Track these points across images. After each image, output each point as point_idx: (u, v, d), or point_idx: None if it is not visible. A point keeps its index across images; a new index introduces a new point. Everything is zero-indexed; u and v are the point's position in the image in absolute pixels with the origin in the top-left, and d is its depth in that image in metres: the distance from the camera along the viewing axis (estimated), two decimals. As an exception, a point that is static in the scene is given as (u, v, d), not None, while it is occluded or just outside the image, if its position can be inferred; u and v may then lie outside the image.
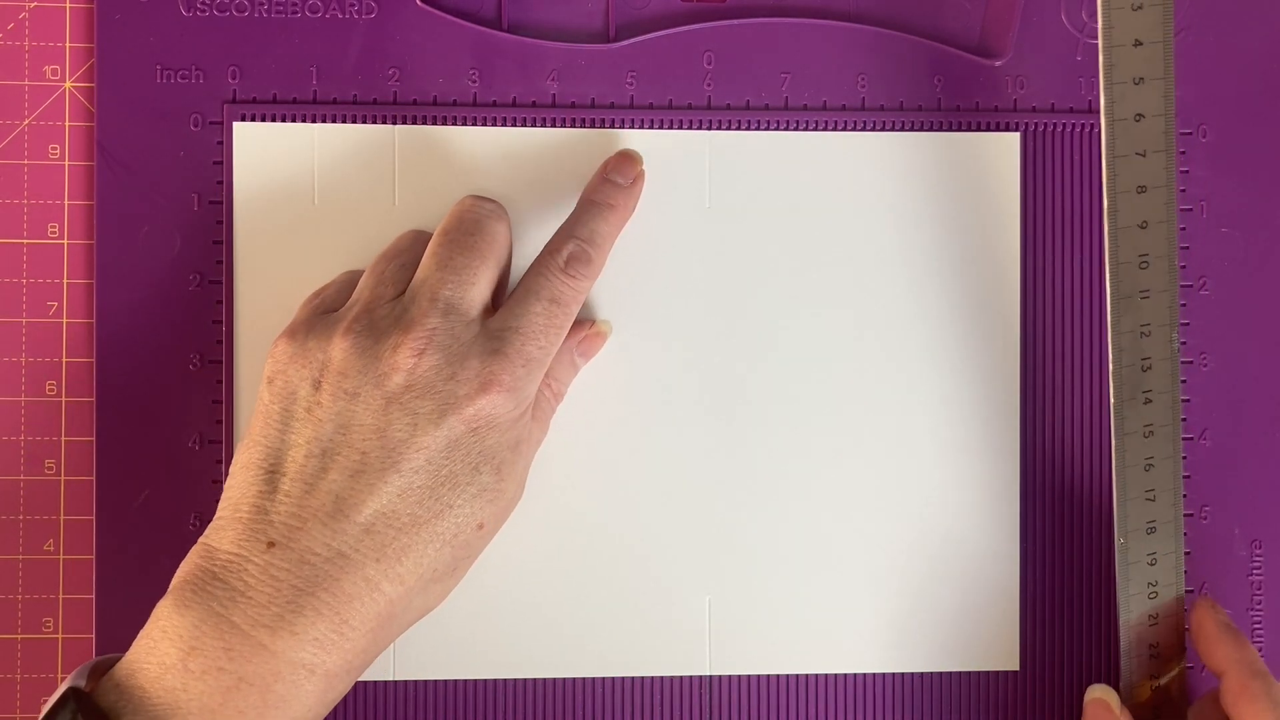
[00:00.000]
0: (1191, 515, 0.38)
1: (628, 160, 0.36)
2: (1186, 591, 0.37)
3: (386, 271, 0.34)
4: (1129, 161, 0.33)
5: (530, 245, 0.37)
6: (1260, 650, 0.38)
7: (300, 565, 0.30)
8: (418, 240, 0.35)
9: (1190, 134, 0.39)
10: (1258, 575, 0.39)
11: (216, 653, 0.29)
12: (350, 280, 0.35)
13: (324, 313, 0.34)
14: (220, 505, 0.32)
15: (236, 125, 0.37)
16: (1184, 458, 0.38)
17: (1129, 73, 0.33)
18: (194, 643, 0.29)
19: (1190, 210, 0.39)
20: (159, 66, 0.37)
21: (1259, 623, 0.39)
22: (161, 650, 0.29)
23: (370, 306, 0.33)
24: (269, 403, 0.32)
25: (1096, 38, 0.39)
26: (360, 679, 0.36)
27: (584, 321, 0.37)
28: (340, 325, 0.32)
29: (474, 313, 0.33)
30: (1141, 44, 0.32)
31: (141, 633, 0.30)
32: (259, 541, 0.30)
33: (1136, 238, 0.33)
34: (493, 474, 0.32)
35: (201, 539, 0.31)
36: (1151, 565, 0.35)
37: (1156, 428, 0.34)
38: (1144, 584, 0.35)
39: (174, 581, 0.31)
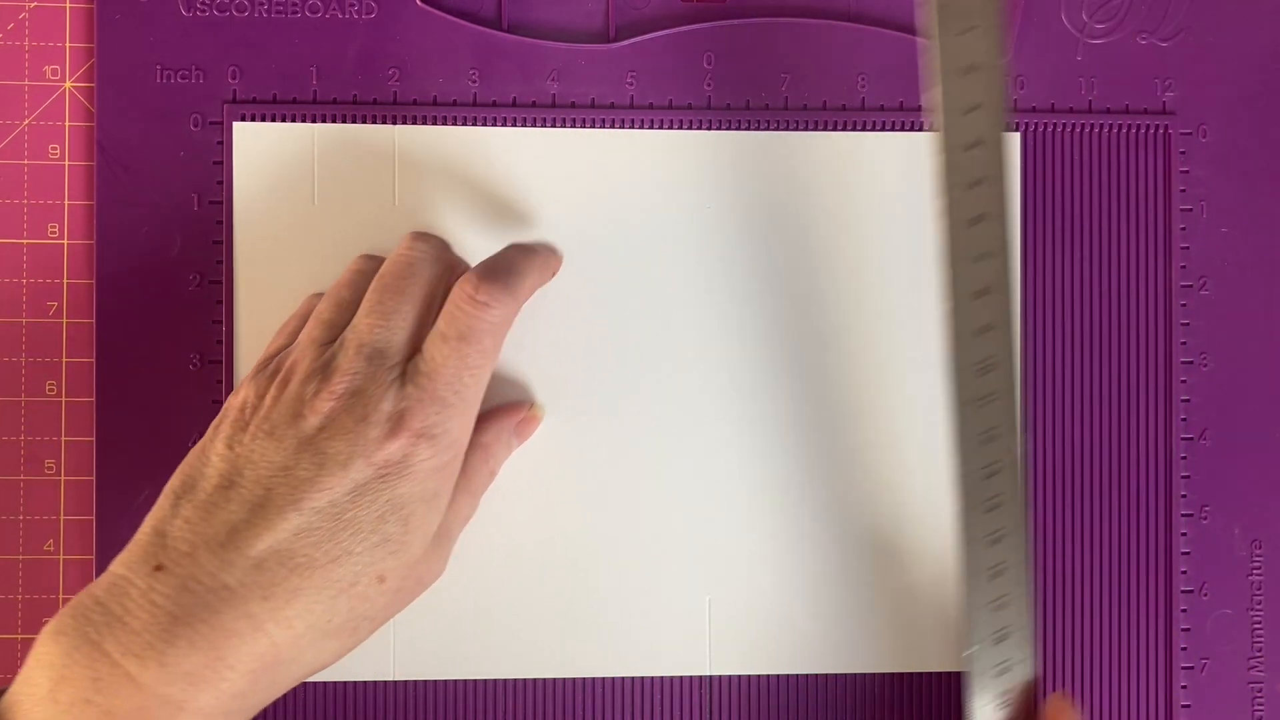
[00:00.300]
0: (1191, 515, 0.38)
1: (549, 247, 0.37)
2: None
3: (325, 314, 0.34)
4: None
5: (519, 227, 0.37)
6: (1259, 652, 0.38)
7: (181, 592, 0.29)
8: (359, 277, 0.35)
9: (1190, 134, 0.39)
10: (1258, 575, 0.39)
11: (84, 683, 0.28)
12: (301, 321, 0.35)
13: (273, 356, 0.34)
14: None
15: (236, 125, 0.37)
16: (1181, 457, 0.38)
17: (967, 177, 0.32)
18: (64, 672, 0.28)
19: (1190, 210, 0.39)
20: (159, 66, 0.37)
21: (1259, 623, 0.39)
22: (34, 680, 0.28)
23: (305, 352, 0.33)
24: (207, 439, 0.32)
25: (1097, 38, 0.39)
26: (359, 679, 0.36)
27: (522, 403, 0.37)
28: (279, 372, 0.33)
29: (398, 357, 0.32)
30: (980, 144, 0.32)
31: (25, 661, 0.29)
32: (148, 564, 0.30)
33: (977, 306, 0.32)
34: (399, 525, 0.31)
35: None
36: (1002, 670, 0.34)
37: (1003, 500, 0.33)
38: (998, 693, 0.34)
39: (64, 606, 0.30)
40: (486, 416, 0.36)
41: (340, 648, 0.32)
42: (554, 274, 0.37)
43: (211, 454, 0.31)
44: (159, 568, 0.30)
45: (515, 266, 0.34)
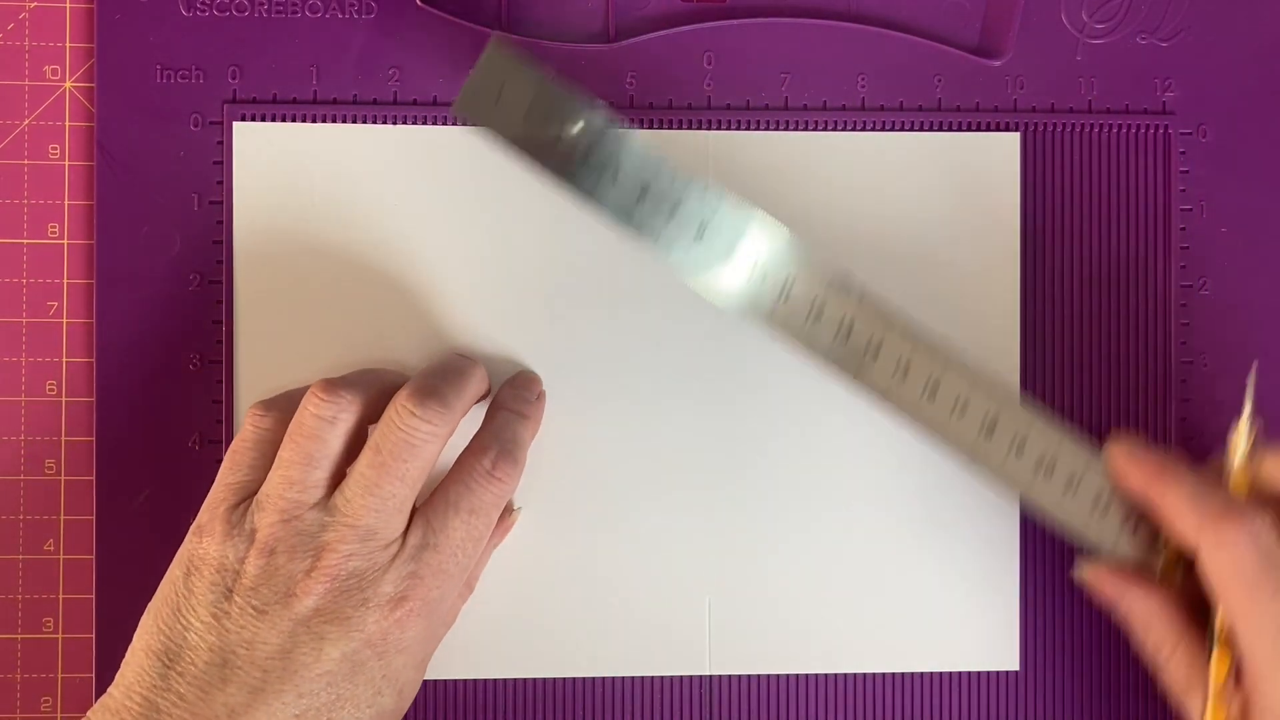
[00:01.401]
0: (1191, 515, 0.38)
1: (531, 381, 0.37)
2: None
3: (294, 473, 0.31)
4: None
5: (530, 243, 0.37)
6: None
7: None
8: (333, 427, 0.32)
9: (1190, 134, 0.39)
10: (1258, 575, 0.38)
11: None
12: (264, 448, 0.33)
13: (243, 495, 0.32)
14: (114, 683, 0.31)
15: (236, 125, 0.37)
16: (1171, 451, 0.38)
17: None
18: None
19: (1190, 210, 0.39)
20: (159, 66, 0.37)
21: (1259, 623, 0.38)
22: None
23: (288, 517, 0.31)
24: (183, 593, 0.31)
25: (1097, 38, 0.39)
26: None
27: (502, 515, 0.36)
28: (258, 536, 0.31)
29: (394, 535, 0.31)
30: None
31: None
32: None
33: None
34: (394, 696, 0.32)
35: (87, 716, 0.31)
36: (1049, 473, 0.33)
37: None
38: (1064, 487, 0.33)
39: None
40: None
41: None
42: (539, 422, 0.37)
43: (194, 620, 0.31)
44: None
45: (521, 440, 0.34)
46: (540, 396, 0.37)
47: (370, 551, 0.31)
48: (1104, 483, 0.34)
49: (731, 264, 0.33)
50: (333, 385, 0.32)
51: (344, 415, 0.32)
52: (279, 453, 0.32)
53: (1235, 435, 0.33)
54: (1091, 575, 0.35)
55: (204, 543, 0.31)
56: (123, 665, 0.31)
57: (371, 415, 0.33)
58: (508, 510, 0.37)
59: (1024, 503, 0.35)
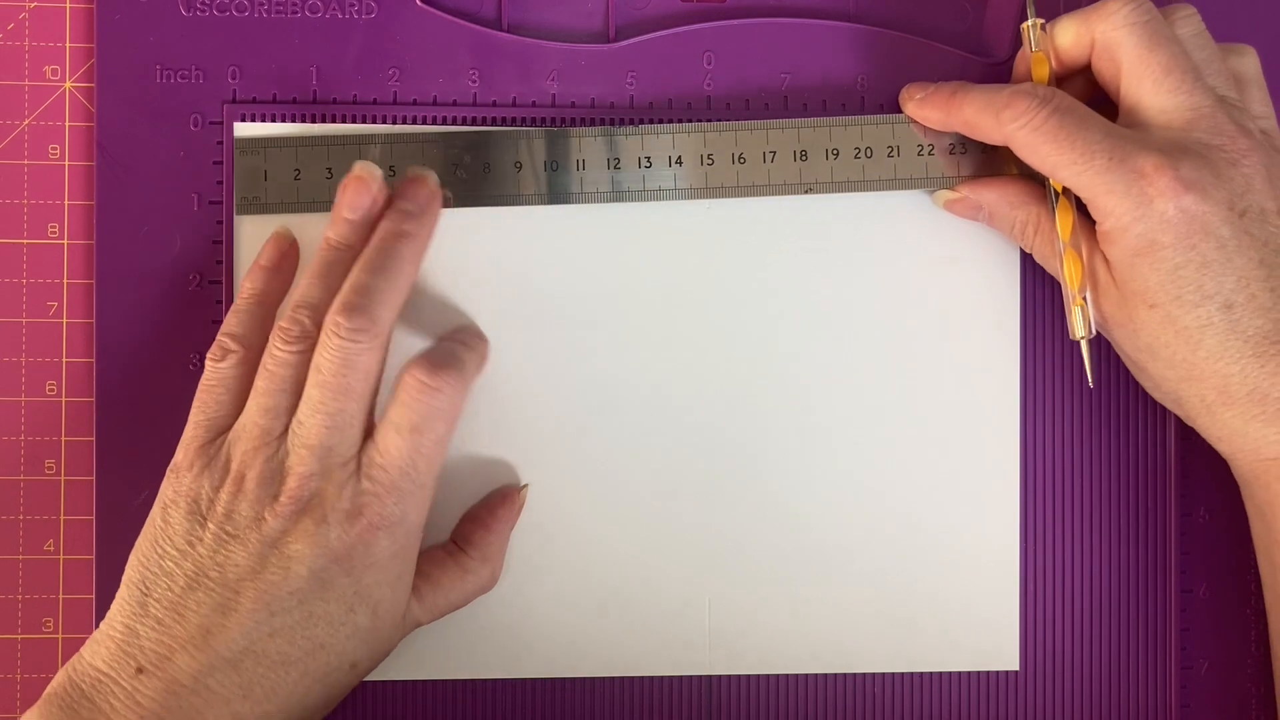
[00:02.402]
0: (1191, 515, 0.38)
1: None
2: None
3: (267, 399, 0.33)
4: None
5: (530, 241, 0.37)
6: (1260, 650, 0.38)
7: (166, 695, 0.31)
8: (300, 356, 0.33)
9: (1190, 134, 0.39)
10: (1257, 575, 0.38)
11: None
12: (230, 384, 0.34)
13: (215, 432, 0.33)
14: (104, 620, 0.32)
15: (236, 125, 0.37)
16: (1181, 457, 0.38)
17: None
18: None
19: (1190, 210, 0.39)
20: (159, 66, 0.37)
21: (1259, 623, 0.38)
22: None
23: (259, 444, 0.32)
24: (160, 527, 0.32)
25: (1096, 37, 0.39)
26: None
27: (511, 494, 0.37)
28: (233, 465, 0.32)
29: (350, 452, 0.32)
30: None
31: None
32: (128, 665, 0.31)
33: None
34: (368, 615, 0.32)
35: (78, 652, 0.32)
36: None
37: None
38: None
39: (46, 691, 0.31)
40: (486, 528, 0.36)
41: None
42: (483, 365, 0.36)
43: (171, 548, 0.32)
44: (140, 670, 0.31)
45: (459, 355, 0.34)
46: (486, 346, 0.36)
47: (328, 470, 0.32)
48: (916, 133, 0.37)
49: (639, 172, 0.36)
50: (294, 318, 0.33)
51: (307, 342, 0.33)
52: (254, 384, 0.33)
53: (1024, 31, 0.36)
54: (948, 202, 0.37)
55: (180, 479, 0.33)
56: (113, 603, 0.32)
57: None
58: (514, 491, 0.37)
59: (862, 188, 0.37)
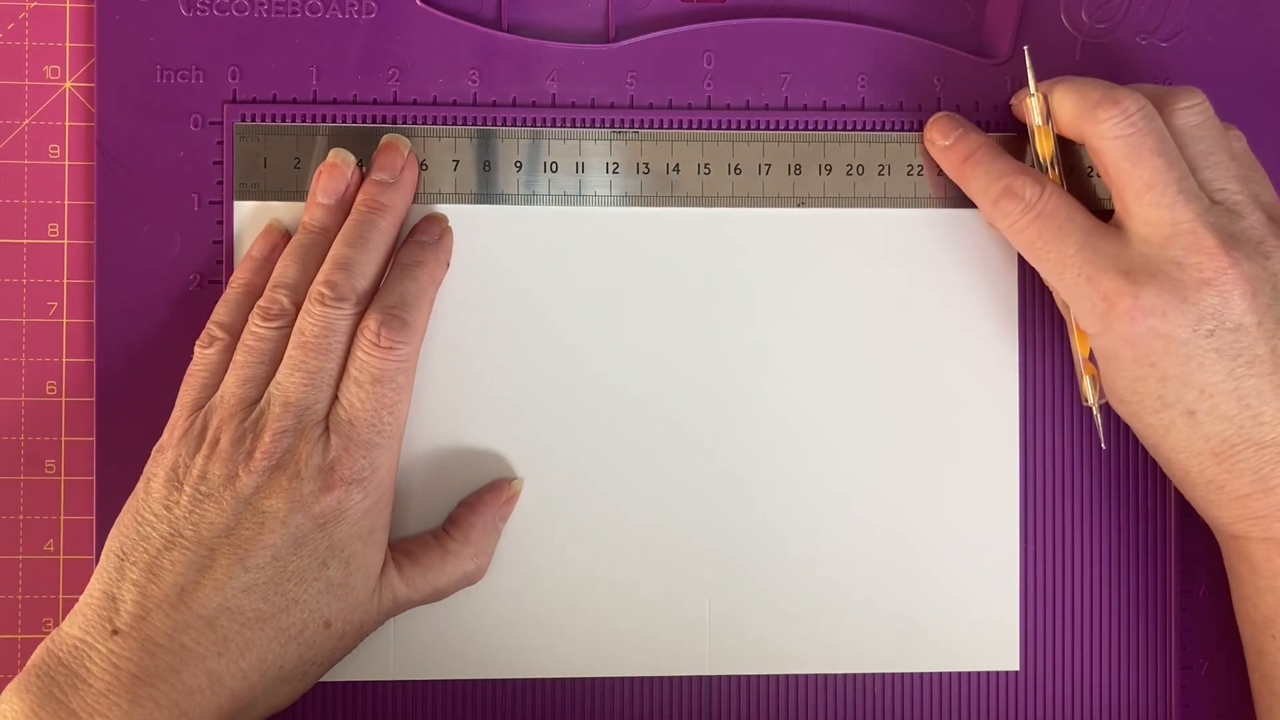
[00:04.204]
0: (1191, 515, 0.38)
1: (431, 219, 0.37)
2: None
3: (246, 369, 0.34)
4: None
5: (531, 240, 0.37)
6: (1260, 650, 0.38)
7: (141, 654, 0.31)
8: (277, 332, 0.34)
9: (1190, 134, 0.39)
10: (1258, 575, 0.39)
11: None
12: (214, 369, 0.35)
13: (198, 408, 0.34)
14: (84, 591, 0.33)
15: (236, 125, 0.37)
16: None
17: None
18: None
19: (1190, 210, 0.39)
20: (159, 66, 0.37)
21: (1259, 623, 0.38)
22: None
23: (234, 410, 0.33)
24: (141, 498, 0.33)
25: (1096, 38, 0.39)
26: (359, 679, 0.36)
27: (502, 484, 0.37)
28: (208, 433, 0.33)
29: (322, 412, 0.33)
30: None
31: None
32: (104, 628, 0.31)
33: None
34: (340, 568, 0.33)
35: (60, 624, 0.32)
36: None
37: None
38: None
39: (26, 664, 0.32)
40: (471, 510, 0.36)
41: (292, 692, 0.34)
42: (448, 258, 0.37)
43: (148, 514, 0.33)
44: (116, 632, 0.31)
45: (408, 298, 0.34)
46: (444, 234, 0.37)
47: (302, 428, 0.33)
48: (916, 154, 0.37)
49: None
50: (272, 296, 0.34)
51: (284, 319, 0.34)
52: (233, 360, 0.34)
53: (1026, 106, 0.36)
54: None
55: (163, 455, 0.33)
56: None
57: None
58: (508, 484, 0.37)
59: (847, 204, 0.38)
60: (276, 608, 0.32)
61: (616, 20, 0.38)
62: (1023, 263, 0.38)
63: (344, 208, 0.36)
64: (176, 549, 0.32)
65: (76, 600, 0.37)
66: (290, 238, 0.36)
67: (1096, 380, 0.36)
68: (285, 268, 0.35)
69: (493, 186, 0.37)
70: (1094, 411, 0.36)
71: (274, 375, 0.34)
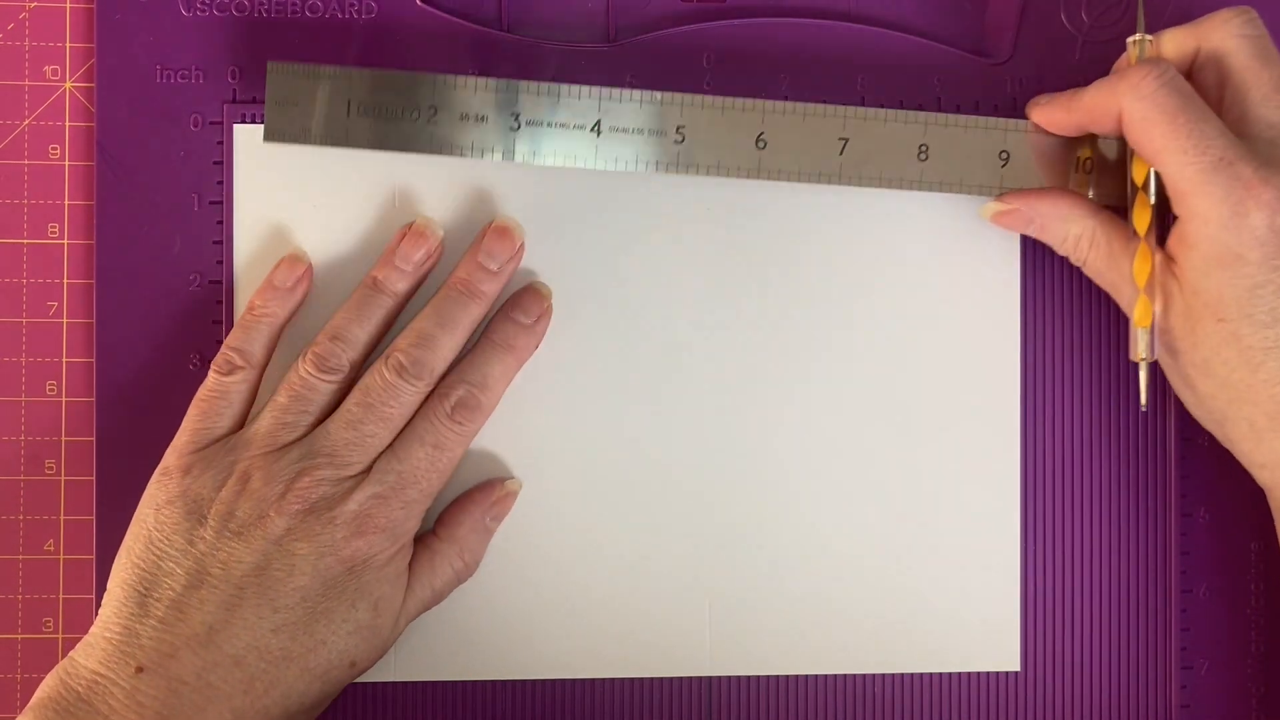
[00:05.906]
0: (1191, 515, 0.38)
1: (533, 296, 0.36)
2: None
3: (289, 414, 0.34)
4: None
5: (531, 240, 0.37)
6: (1260, 650, 0.38)
7: (168, 693, 0.31)
8: (329, 385, 0.34)
9: (1190, 134, 0.39)
10: (1257, 575, 0.39)
11: None
12: (232, 399, 0.34)
13: (211, 439, 0.34)
14: (94, 624, 0.32)
15: (236, 125, 0.37)
16: (1180, 457, 0.38)
17: None
18: None
19: (1190, 210, 0.39)
20: (159, 66, 0.37)
21: (1259, 623, 0.38)
22: None
23: (267, 452, 0.33)
24: (154, 527, 0.33)
25: (1096, 38, 0.39)
26: (359, 679, 0.36)
27: (494, 482, 0.37)
28: (237, 467, 0.33)
29: (361, 468, 0.33)
30: None
31: None
32: (127, 665, 0.31)
33: None
34: (369, 610, 0.33)
35: (68, 656, 0.32)
36: None
37: None
38: None
39: (34, 699, 0.31)
40: (458, 507, 0.36)
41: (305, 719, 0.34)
42: (540, 342, 0.36)
43: (169, 549, 0.32)
44: (141, 669, 0.31)
45: (490, 381, 0.35)
46: (542, 317, 0.36)
47: (340, 479, 0.33)
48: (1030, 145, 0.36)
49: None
50: (333, 349, 0.34)
51: (340, 374, 0.34)
52: (274, 398, 0.34)
53: (1130, 45, 0.35)
54: (996, 215, 0.36)
55: (171, 481, 0.33)
56: (100, 607, 0.32)
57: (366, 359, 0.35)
58: (500, 484, 0.37)
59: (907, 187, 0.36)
60: (305, 648, 0.32)
61: (616, 20, 0.38)
62: (1024, 263, 0.38)
63: (418, 276, 0.36)
64: (205, 587, 0.32)
65: (76, 600, 0.38)
66: (310, 268, 0.36)
67: (1151, 334, 0.34)
68: (348, 322, 0.35)
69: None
70: (1142, 368, 0.35)
71: (316, 421, 0.34)
